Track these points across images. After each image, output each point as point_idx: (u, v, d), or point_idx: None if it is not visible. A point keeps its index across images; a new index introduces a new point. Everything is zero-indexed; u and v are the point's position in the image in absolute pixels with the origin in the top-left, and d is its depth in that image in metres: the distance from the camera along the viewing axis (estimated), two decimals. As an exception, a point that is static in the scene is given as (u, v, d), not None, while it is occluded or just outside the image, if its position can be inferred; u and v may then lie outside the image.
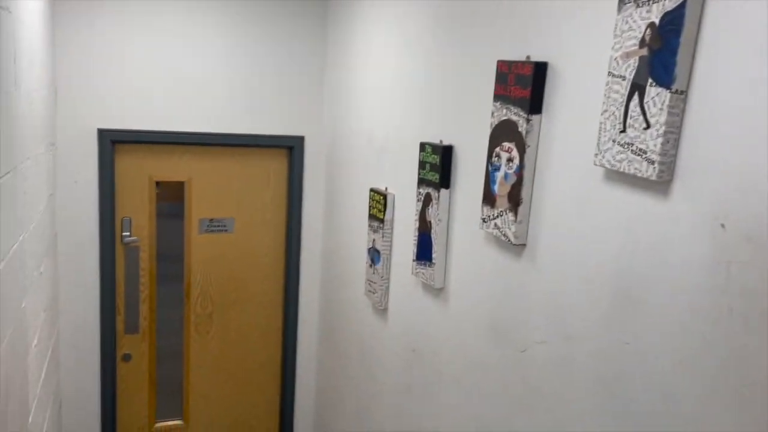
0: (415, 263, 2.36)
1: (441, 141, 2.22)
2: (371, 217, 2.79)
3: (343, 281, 3.29)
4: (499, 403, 1.87)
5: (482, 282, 1.96)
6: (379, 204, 2.71)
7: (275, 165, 3.65)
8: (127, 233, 3.41)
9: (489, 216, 1.86)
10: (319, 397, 3.76)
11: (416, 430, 2.43)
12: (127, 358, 3.52)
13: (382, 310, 2.76)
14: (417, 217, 2.34)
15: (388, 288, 2.70)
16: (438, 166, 2.19)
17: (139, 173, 3.39)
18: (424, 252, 2.29)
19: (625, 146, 1.34)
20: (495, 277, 1.89)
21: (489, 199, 1.86)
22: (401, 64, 2.58)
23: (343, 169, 3.31)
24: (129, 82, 3.22)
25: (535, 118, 1.70)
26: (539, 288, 1.68)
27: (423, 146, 2.30)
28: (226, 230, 3.61)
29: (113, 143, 3.27)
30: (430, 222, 2.25)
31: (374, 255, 2.76)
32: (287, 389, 3.81)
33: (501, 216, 1.80)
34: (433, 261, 2.22)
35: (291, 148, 3.61)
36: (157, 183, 3.46)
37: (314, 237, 3.72)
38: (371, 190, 2.80)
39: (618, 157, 1.36)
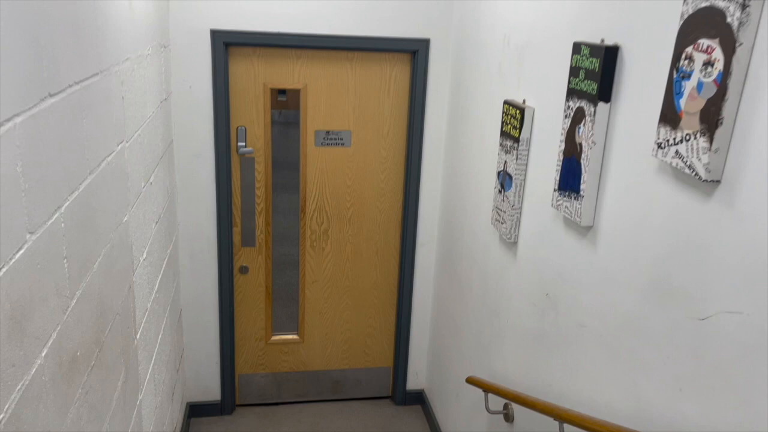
0: (556, 193, 1.95)
1: (602, 40, 1.74)
2: (504, 134, 2.38)
3: (467, 206, 2.94)
4: (659, 377, 1.49)
5: (649, 225, 1.53)
6: (515, 120, 2.28)
7: (396, 72, 3.28)
8: (242, 143, 3.26)
9: (668, 140, 1.40)
10: (437, 324, 3.54)
11: (545, 384, 2.11)
12: (244, 270, 3.47)
13: (510, 243, 2.40)
14: (563, 138, 1.91)
15: (519, 219, 2.32)
16: (596, 73, 1.72)
17: (253, 80, 3.18)
18: (569, 181, 1.87)
19: None
20: (669, 221, 1.45)
21: (670, 117, 1.40)
22: (553, -56, 2.06)
23: (473, 77, 2.88)
24: (242, -22, 2.95)
25: (754, 2, 1.19)
26: (738, 240, 1.24)
27: (577, 47, 1.83)
28: (342, 144, 3.35)
29: (226, 46, 3.05)
30: (580, 144, 1.81)
31: (505, 179, 2.37)
32: (403, 312, 3.62)
33: (687, 141, 1.34)
34: (581, 193, 1.80)
35: (414, 53, 3.22)
36: (272, 91, 3.23)
37: (437, 154, 3.37)
38: (506, 102, 2.37)
39: None
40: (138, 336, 2.20)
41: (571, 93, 1.86)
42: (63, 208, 1.37)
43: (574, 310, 1.91)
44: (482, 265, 2.73)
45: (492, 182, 2.57)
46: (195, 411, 3.55)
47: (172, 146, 3.09)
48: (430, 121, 3.31)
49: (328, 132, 3.32)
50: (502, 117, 2.40)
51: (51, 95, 1.30)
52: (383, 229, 3.53)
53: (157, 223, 2.59)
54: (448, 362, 3.30)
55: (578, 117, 1.83)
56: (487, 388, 2.40)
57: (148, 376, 2.38)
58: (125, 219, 1.99)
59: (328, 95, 3.26)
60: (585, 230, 1.84)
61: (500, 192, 2.42)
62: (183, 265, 3.32)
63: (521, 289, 2.32)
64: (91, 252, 1.60)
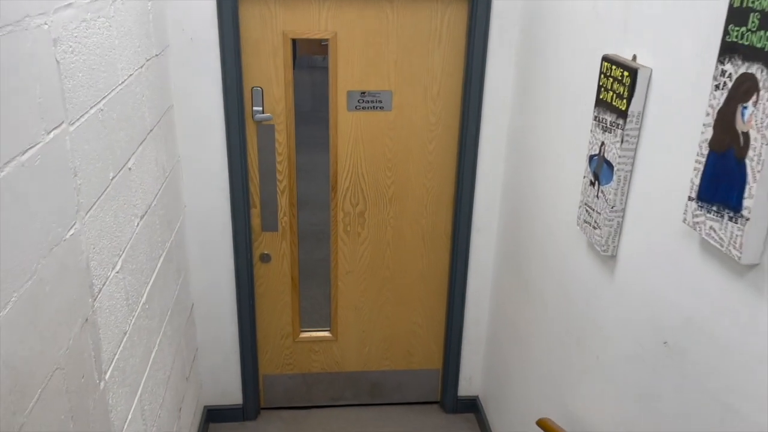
0: (693, 204, 1.28)
1: (803, -39, 1.03)
2: (602, 104, 1.69)
3: (540, 193, 2.28)
4: None
5: None
6: (620, 85, 1.59)
7: (450, 15, 2.58)
8: (259, 108, 2.66)
9: None
10: (496, 326, 2.94)
11: (656, 467, 1.50)
12: (265, 258, 2.93)
13: (606, 257, 1.74)
14: (710, 120, 1.22)
15: (620, 226, 1.66)
16: (790, 17, 1.02)
17: (270, 28, 2.54)
18: (720, 189, 1.20)
19: None
20: None
21: None
22: None
23: (553, 20, 2.17)
24: None
25: None
26: None
27: (750, -25, 1.12)
28: (381, 107, 2.71)
29: (234, -14, 2.42)
30: (745, 134, 1.13)
31: (601, 168, 1.70)
32: (455, 308, 3.03)
33: None
34: (744, 212, 1.13)
35: (474, -10, 2.50)
36: (294, 41, 2.59)
37: (500, 120, 2.69)
38: (605, 59, 1.68)
39: None
40: (107, 376, 1.69)
41: (730, 50, 1.17)
42: None
43: (716, 381, 1.27)
44: (560, 274, 2.09)
45: (580, 169, 1.90)
46: (214, 416, 3.10)
47: (172, 113, 2.52)
48: (492, 79, 2.62)
49: (363, 93, 2.68)
50: (600, 79, 1.70)
51: None
52: (431, 210, 2.91)
53: (143, 217, 2.04)
54: (509, 373, 2.71)
55: (743, 90, 1.14)
56: (567, 447, 1.80)
57: (130, 416, 1.88)
58: (71, 233, 1.43)
59: (364, 46, 2.60)
60: (745, 269, 1.18)
61: (593, 184, 1.75)
62: (192, 254, 2.80)
63: (621, 322, 1.68)
64: (-19, 309, 1.05)
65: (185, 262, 2.73)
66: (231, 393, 3.10)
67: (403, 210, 2.90)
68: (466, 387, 3.21)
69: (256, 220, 2.85)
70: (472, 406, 3.23)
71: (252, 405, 3.13)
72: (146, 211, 2.09)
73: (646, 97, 1.53)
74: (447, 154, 2.80)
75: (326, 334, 3.14)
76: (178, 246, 2.59)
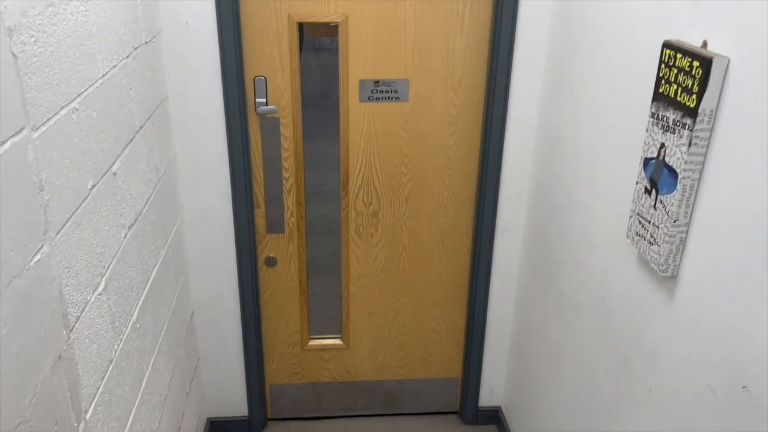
0: (795, 230, 1.04)
1: None
2: (663, 99, 1.44)
3: (576, 196, 2.03)
4: None
5: None
6: (688, 77, 1.34)
7: (475, -5, 2.32)
8: (262, 99, 2.41)
9: None
10: (521, 335, 2.71)
11: None
12: (271, 262, 2.70)
13: (663, 277, 1.50)
14: (824, 127, 0.97)
15: (684, 242, 1.42)
16: None
17: (273, 11, 2.29)
18: (838, 215, 0.95)
19: None
20: None
21: None
22: None
23: None
24: None
25: None
26: None
27: None
28: (397, 98, 2.46)
29: (233, -37, 2.17)
30: None
31: (660, 174, 1.45)
32: (476, 314, 2.80)
33: None
34: None
35: (502, -34, 2.24)
36: (300, 25, 2.34)
37: (529, 112, 2.43)
38: (667, 45, 1.42)
39: None
40: (89, 415, 1.47)
41: None
42: None
43: (821, 450, 1.03)
44: (600, 287, 1.86)
45: (631, 173, 1.65)
46: (217, 429, 2.91)
47: (166, 106, 2.28)
48: (520, 65, 2.36)
49: (377, 82, 2.43)
50: (660, 70, 1.45)
51: None
52: (452, 210, 2.67)
53: (132, 226, 1.82)
54: (536, 386, 2.49)
55: None
56: (614, 492, 1.58)
57: (119, 452, 1.68)
58: (36, 259, 1.21)
59: (378, 31, 2.35)
60: None
61: (648, 193, 1.51)
62: (191, 259, 2.58)
63: (682, 354, 1.44)
64: None
65: (184, 267, 2.51)
66: (236, 404, 2.90)
67: (421, 209, 2.66)
68: (487, 397, 3.00)
69: (260, 221, 2.62)
70: (494, 417, 3.02)
71: (258, 416, 2.93)
72: (136, 219, 1.86)
73: (721, 91, 1.28)
74: (469, 149, 2.55)
75: (337, 341, 2.92)
76: (175, 252, 2.37)
